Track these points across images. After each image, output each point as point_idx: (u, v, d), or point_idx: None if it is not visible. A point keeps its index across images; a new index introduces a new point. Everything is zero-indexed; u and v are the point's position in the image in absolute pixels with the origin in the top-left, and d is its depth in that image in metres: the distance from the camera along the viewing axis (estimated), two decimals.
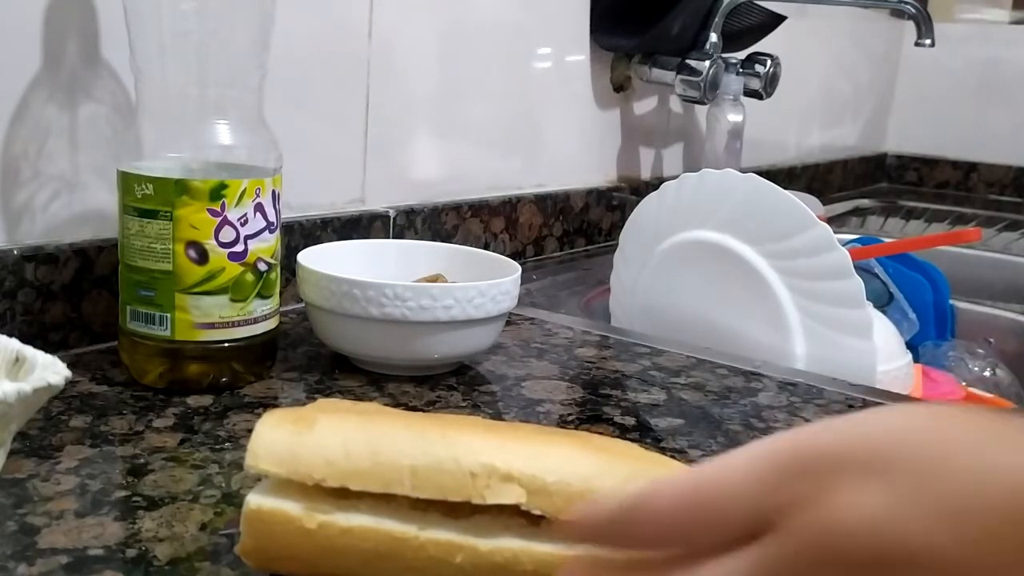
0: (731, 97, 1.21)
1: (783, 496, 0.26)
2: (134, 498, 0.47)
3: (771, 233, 0.77)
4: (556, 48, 1.10)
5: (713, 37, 1.16)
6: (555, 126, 1.12)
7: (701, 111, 1.29)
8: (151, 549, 0.43)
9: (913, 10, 1.18)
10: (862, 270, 0.81)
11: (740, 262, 0.78)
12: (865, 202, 1.77)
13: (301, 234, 0.81)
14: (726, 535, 0.27)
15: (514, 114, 1.06)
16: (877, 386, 0.74)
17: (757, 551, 0.26)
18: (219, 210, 0.59)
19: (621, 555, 0.29)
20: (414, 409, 0.62)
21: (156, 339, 0.60)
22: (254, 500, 0.36)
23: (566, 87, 1.13)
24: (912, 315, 0.95)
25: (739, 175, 0.78)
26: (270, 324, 0.64)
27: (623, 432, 0.60)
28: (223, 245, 0.59)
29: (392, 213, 0.90)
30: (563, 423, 0.61)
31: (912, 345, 0.92)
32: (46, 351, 0.46)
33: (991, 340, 1.03)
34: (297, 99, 0.81)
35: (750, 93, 1.23)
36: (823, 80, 1.69)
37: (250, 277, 0.61)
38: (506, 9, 1.02)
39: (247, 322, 0.61)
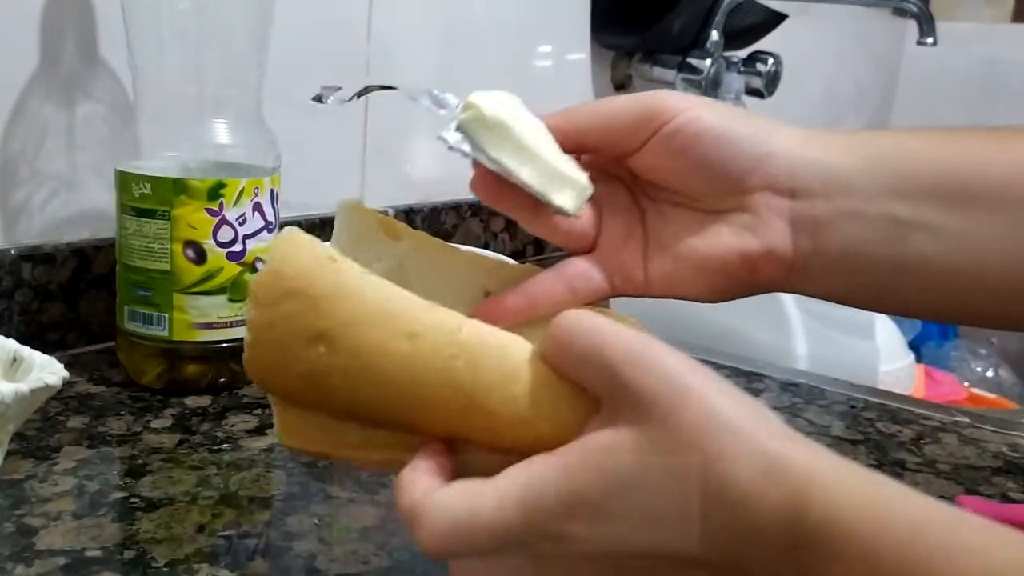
0: (732, 96, 1.20)
1: None
2: (132, 499, 0.47)
3: None
4: (557, 47, 1.10)
5: (714, 35, 1.15)
6: None
7: None
8: (149, 550, 0.42)
9: (915, 9, 1.18)
10: None
11: None
12: None
13: None
14: None
15: None
16: (879, 386, 0.73)
17: None
18: (217, 209, 0.58)
19: None
20: None
21: (154, 339, 0.60)
22: (289, 230, 0.35)
23: (567, 86, 1.12)
24: None
25: None
26: None
27: None
28: (221, 245, 0.59)
29: (391, 212, 0.90)
30: None
31: (914, 345, 0.92)
32: (43, 351, 0.46)
33: (993, 340, 1.03)
34: (296, 98, 0.80)
35: (752, 92, 1.23)
36: (825, 79, 1.69)
37: (248, 277, 0.61)
38: (506, 7, 1.01)
39: (245, 322, 0.61)
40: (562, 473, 0.31)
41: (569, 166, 0.39)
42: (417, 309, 0.33)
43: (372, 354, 0.33)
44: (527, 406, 0.33)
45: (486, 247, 0.98)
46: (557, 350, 0.33)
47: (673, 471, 0.30)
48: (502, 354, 0.33)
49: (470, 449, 0.34)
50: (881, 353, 0.75)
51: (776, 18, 1.25)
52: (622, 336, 0.32)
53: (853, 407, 0.68)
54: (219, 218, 0.59)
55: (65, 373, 0.44)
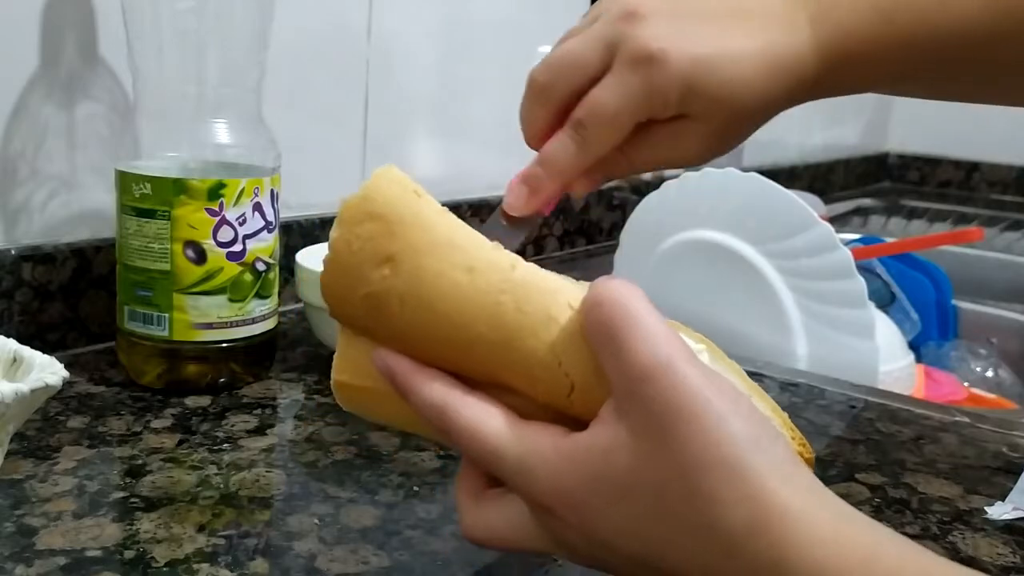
0: None
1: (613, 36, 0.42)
2: (132, 499, 0.47)
3: (773, 233, 0.76)
4: None
5: None
6: None
7: None
8: (149, 550, 0.42)
9: None
10: (864, 270, 0.81)
11: (741, 262, 0.78)
12: (867, 202, 1.77)
13: (300, 234, 0.81)
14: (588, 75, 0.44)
15: (514, 113, 1.05)
16: (879, 386, 0.73)
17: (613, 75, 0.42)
18: (217, 209, 0.58)
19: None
20: None
21: (154, 339, 0.60)
22: (387, 165, 0.36)
23: None
24: (914, 315, 0.95)
25: (741, 174, 0.78)
26: (268, 324, 0.63)
27: None
28: (221, 245, 0.59)
29: None
30: None
31: (914, 345, 0.92)
32: (44, 351, 0.46)
33: (993, 340, 1.03)
34: (296, 98, 0.81)
35: None
36: None
37: (248, 277, 0.61)
38: (506, 7, 1.01)
39: (245, 322, 0.61)
40: (561, 466, 0.32)
41: None
42: (481, 247, 0.35)
43: (429, 282, 0.34)
44: (561, 352, 0.33)
45: None
46: (587, 322, 0.33)
47: (662, 494, 0.30)
48: (549, 298, 0.34)
49: (511, 400, 0.35)
50: (881, 353, 0.75)
51: None
52: (650, 341, 0.31)
53: (853, 407, 0.68)
54: (219, 218, 0.59)
55: (65, 373, 0.44)
